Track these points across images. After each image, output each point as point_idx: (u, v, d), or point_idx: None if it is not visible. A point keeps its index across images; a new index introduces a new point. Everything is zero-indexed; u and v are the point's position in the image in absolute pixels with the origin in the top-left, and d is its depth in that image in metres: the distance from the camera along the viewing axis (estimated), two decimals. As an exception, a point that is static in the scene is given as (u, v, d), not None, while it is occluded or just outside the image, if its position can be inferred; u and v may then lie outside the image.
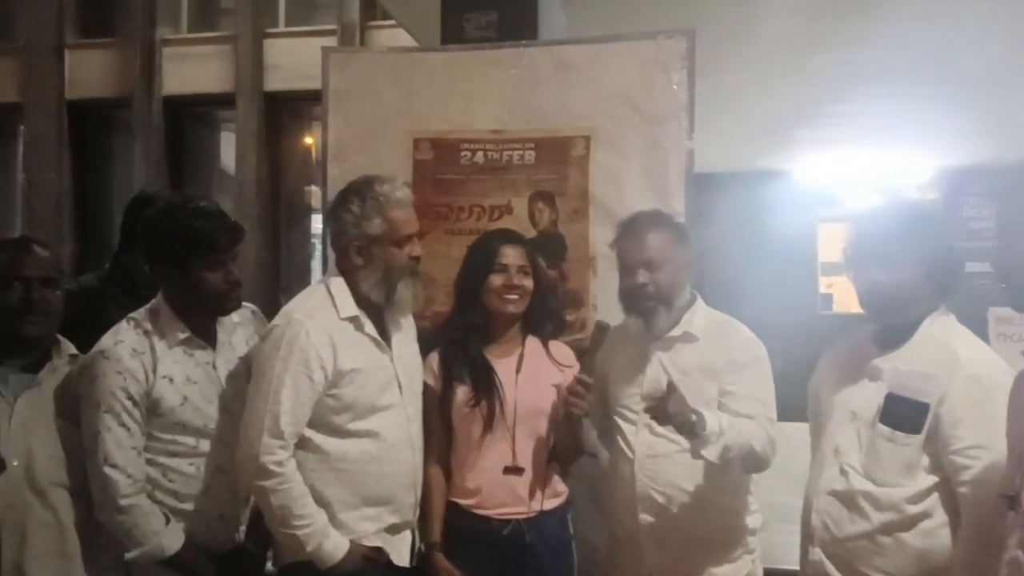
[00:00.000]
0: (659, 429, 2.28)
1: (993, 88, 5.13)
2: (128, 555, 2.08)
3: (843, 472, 2.05)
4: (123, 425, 2.09)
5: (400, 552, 2.29)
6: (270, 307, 2.43)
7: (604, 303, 2.84)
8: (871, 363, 2.05)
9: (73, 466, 2.11)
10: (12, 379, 2.10)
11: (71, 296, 2.34)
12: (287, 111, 5.60)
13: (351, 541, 2.19)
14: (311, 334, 2.15)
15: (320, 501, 2.18)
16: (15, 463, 2.02)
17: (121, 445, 2.08)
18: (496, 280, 2.38)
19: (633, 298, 2.36)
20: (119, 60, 6.00)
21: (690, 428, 2.11)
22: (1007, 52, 4.49)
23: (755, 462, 2.25)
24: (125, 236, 2.68)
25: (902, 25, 4.24)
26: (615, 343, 2.46)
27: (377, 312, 2.29)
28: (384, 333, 2.30)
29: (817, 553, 2.11)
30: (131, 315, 2.20)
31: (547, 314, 2.52)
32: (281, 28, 5.73)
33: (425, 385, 2.41)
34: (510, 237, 2.48)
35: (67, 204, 5.83)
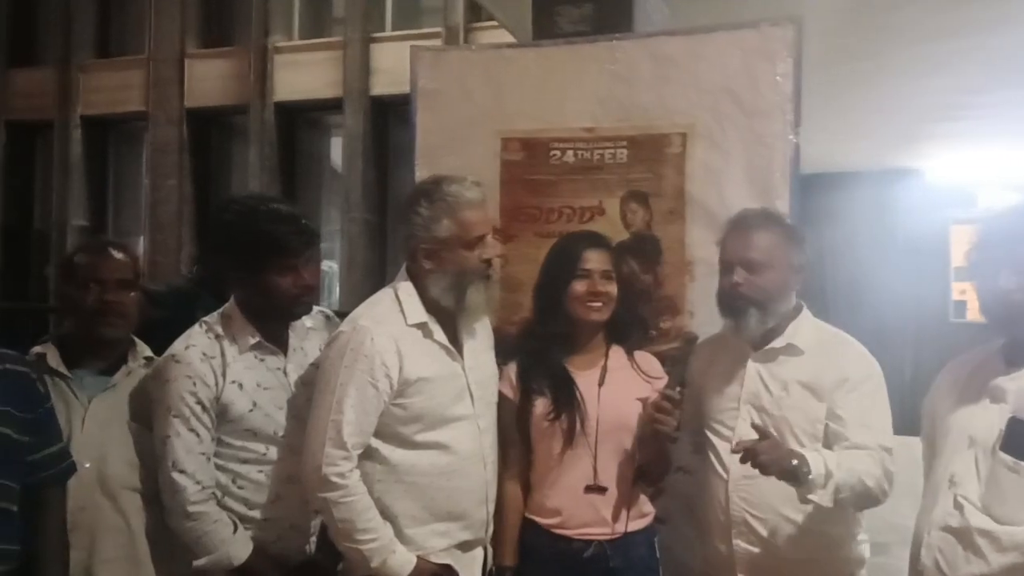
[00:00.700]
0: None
1: None
2: (196, 563, 2.05)
3: (958, 505, 1.81)
4: (192, 430, 2.07)
5: (471, 571, 2.20)
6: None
7: (702, 310, 2.67)
8: (994, 382, 1.81)
9: (146, 470, 2.10)
10: (88, 381, 2.12)
11: (160, 299, 2.36)
12: (393, 114, 5.62)
13: (419, 557, 2.10)
14: (376, 341, 2.07)
15: (387, 515, 2.10)
16: (87, 465, 2.03)
17: (190, 450, 2.06)
18: (579, 287, 2.25)
19: (726, 298, 2.21)
20: (235, 68, 6.18)
21: (792, 475, 1.92)
22: None
23: (868, 500, 2.04)
24: (211, 240, 2.68)
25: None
26: (711, 352, 2.31)
27: (448, 318, 2.20)
28: (456, 340, 2.21)
29: None
30: (204, 319, 2.19)
31: (633, 322, 2.38)
32: (388, 32, 5.74)
33: (503, 396, 2.31)
34: (593, 240, 2.35)
35: (187, 210, 6.06)
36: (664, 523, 2.62)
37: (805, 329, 2.19)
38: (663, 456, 2.24)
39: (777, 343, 2.18)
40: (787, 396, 2.11)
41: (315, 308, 2.33)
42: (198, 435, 2.07)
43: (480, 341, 2.29)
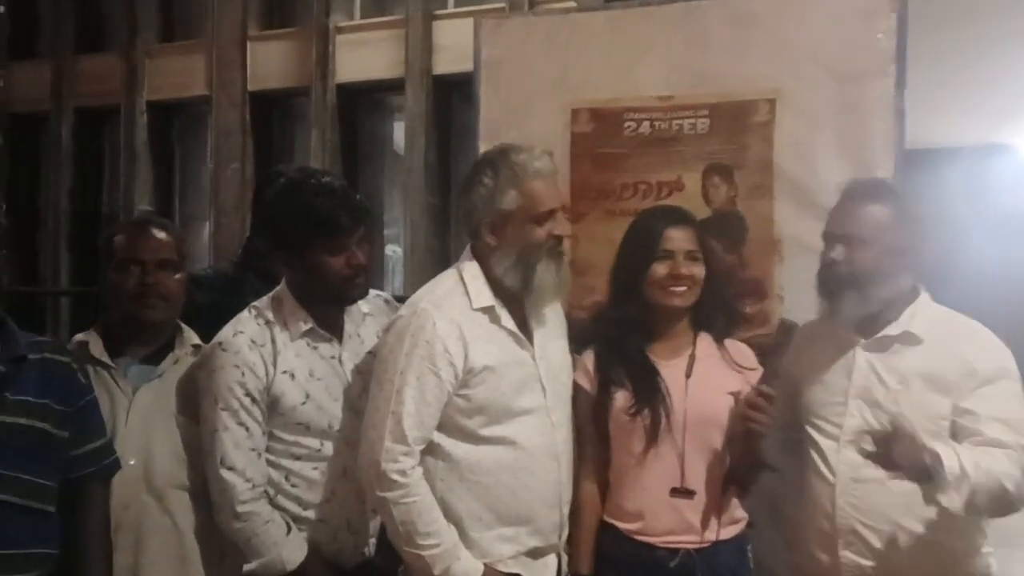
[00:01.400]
0: (868, 446, 1.88)
1: None
2: (247, 566, 1.92)
3: None
4: (241, 424, 1.93)
5: None
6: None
7: (793, 294, 2.48)
8: None
9: (194, 467, 1.97)
10: (133, 371, 1.99)
11: (205, 282, 2.23)
12: (456, 93, 5.43)
13: (486, 565, 1.94)
14: (438, 326, 1.91)
15: (450, 516, 1.94)
16: (132, 462, 1.90)
17: (239, 446, 1.93)
18: (660, 269, 2.05)
19: (822, 276, 2.00)
20: (297, 50, 6.05)
21: (923, 474, 1.72)
22: None
23: (1004, 506, 1.80)
24: (256, 217, 2.52)
25: None
26: (812, 340, 2.08)
27: (517, 303, 2.02)
28: (525, 327, 2.04)
29: None
30: (254, 304, 2.05)
31: (721, 307, 2.17)
32: (450, 8, 5.54)
33: (578, 387, 2.12)
34: (676, 216, 2.13)
35: (250, 194, 6.02)
36: (751, 526, 2.42)
37: (924, 315, 1.96)
38: (755, 457, 2.03)
39: (891, 330, 1.95)
40: (905, 390, 1.89)
41: (372, 292, 2.18)
42: (247, 429, 1.94)
43: (551, 328, 2.11)
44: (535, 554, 2.01)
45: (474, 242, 2.04)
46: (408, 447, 1.89)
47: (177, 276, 2.03)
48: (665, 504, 2.01)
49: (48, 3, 6.68)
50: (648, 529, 2.02)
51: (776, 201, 2.51)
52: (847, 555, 1.93)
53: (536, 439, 1.99)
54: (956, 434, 1.86)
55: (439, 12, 5.51)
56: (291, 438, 1.98)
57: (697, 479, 2.02)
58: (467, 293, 1.98)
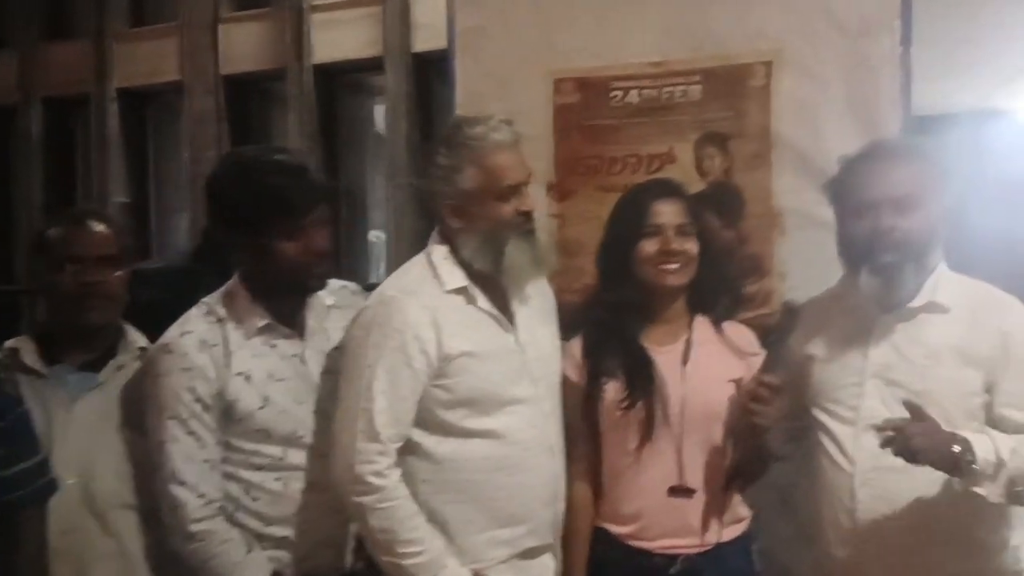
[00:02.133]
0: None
1: None
2: None
3: None
4: (192, 433, 1.75)
5: None
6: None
7: (794, 270, 2.31)
8: None
9: (141, 484, 1.80)
10: (71, 379, 1.81)
11: (153, 278, 2.04)
12: (437, 72, 5.24)
13: (475, 573, 1.78)
14: (407, 312, 1.77)
15: (436, 521, 1.79)
16: (71, 481, 1.72)
17: (190, 458, 1.75)
18: (648, 246, 1.87)
19: (871, 249, 1.76)
20: (271, 31, 5.85)
21: (952, 463, 1.58)
22: None
23: None
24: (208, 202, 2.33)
25: None
26: (823, 315, 1.91)
27: (495, 285, 1.86)
28: (506, 309, 1.88)
29: None
30: (204, 300, 1.87)
31: (720, 286, 1.99)
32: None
33: (566, 379, 1.95)
34: (664, 189, 1.96)
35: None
36: (756, 511, 2.26)
37: (948, 284, 1.79)
38: (760, 451, 1.86)
39: (916, 301, 1.77)
40: (934, 364, 1.72)
41: (338, 282, 2.01)
42: (199, 439, 1.76)
43: (537, 311, 1.95)
44: (529, 554, 1.86)
45: (440, 225, 1.89)
46: (382, 445, 1.74)
47: (119, 273, 1.85)
48: (663, 504, 1.85)
49: (12, -10, 6.48)
50: (645, 532, 1.86)
51: (775, 171, 2.31)
52: (868, 548, 1.75)
53: (528, 431, 1.84)
54: (991, 416, 1.71)
55: (417, -14, 5.37)
56: (250, 447, 1.80)
57: (696, 476, 1.85)
58: (437, 276, 1.84)
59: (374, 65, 5.39)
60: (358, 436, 1.74)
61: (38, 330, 1.87)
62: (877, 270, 1.75)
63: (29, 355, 1.80)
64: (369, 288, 2.07)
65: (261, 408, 1.79)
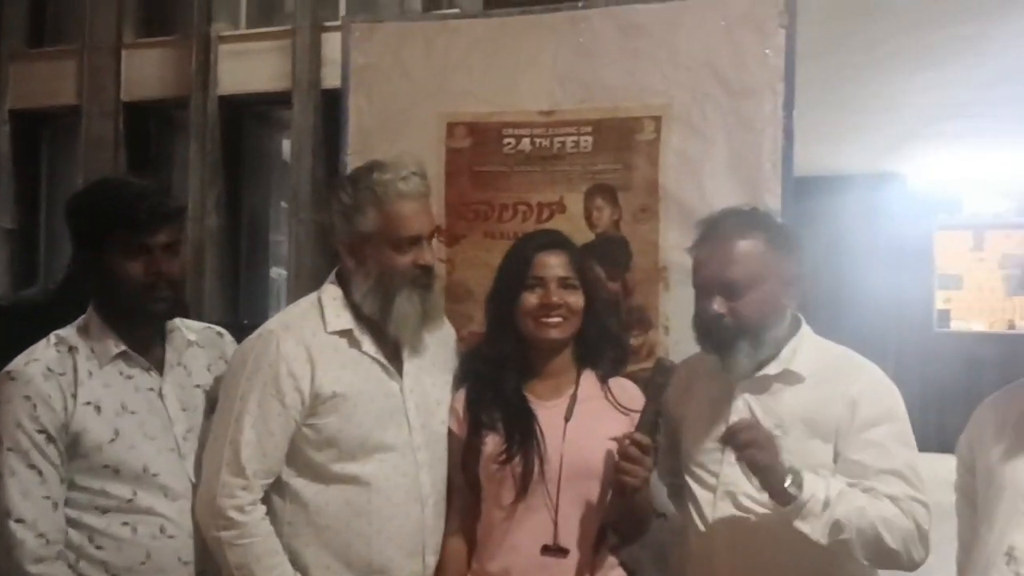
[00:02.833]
0: (745, 500, 1.70)
1: None
2: None
3: None
4: (33, 467, 1.64)
5: None
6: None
7: (678, 325, 2.31)
8: None
9: None
10: None
11: (6, 312, 1.91)
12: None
13: None
14: (282, 347, 1.76)
15: (297, 565, 1.77)
16: None
17: (28, 494, 1.63)
18: (530, 299, 1.85)
19: (705, 329, 1.79)
20: (176, 58, 5.69)
21: (777, 487, 1.58)
22: None
23: (885, 557, 1.63)
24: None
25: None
26: (691, 377, 1.91)
27: (383, 329, 1.85)
28: (395, 355, 1.86)
29: None
30: (56, 332, 1.78)
31: (607, 341, 1.96)
32: (341, 20, 5.29)
33: (449, 431, 1.90)
34: (549, 241, 1.93)
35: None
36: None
37: (805, 350, 1.78)
38: (636, 511, 1.82)
39: (771, 369, 1.76)
40: (782, 436, 1.70)
41: (201, 324, 1.98)
42: (40, 473, 1.65)
43: (433, 360, 1.93)
44: None
45: (339, 265, 1.88)
46: (247, 480, 1.72)
47: None
48: (534, 564, 1.79)
49: None
50: None
51: (662, 225, 2.34)
52: None
53: (395, 480, 1.80)
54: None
55: (329, 24, 5.28)
56: (97, 485, 1.70)
57: (571, 535, 1.80)
58: (323, 315, 1.82)
59: (282, 99, 5.27)
60: (223, 469, 1.71)
61: None
62: (711, 348, 1.78)
63: None
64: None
65: (111, 441, 1.70)
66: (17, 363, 1.71)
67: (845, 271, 6.70)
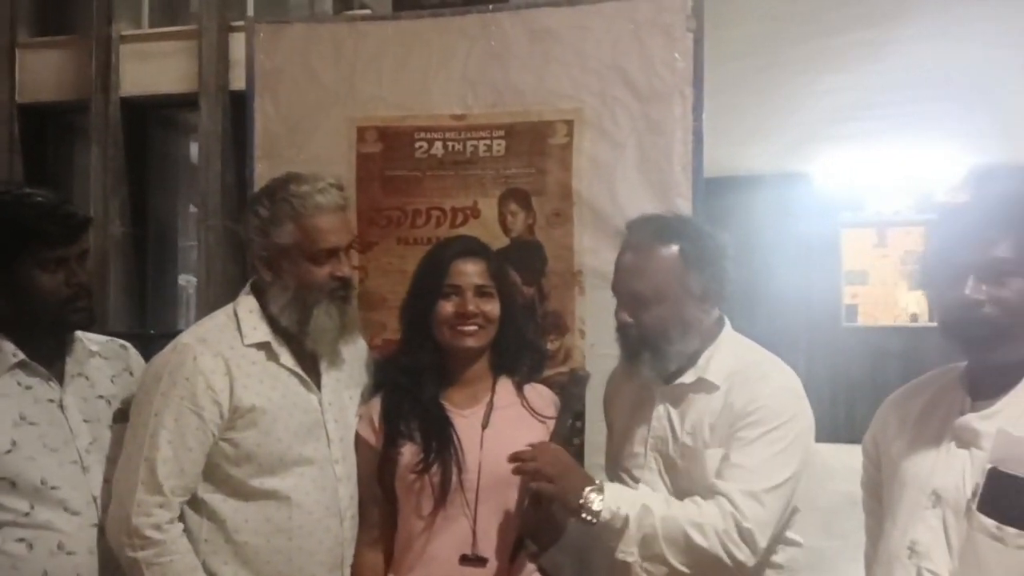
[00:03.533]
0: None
1: None
2: None
3: None
4: None
5: None
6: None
7: (594, 328, 2.33)
8: (960, 420, 1.44)
9: None
10: None
11: None
12: (255, 112, 5.03)
13: None
14: (199, 361, 1.72)
15: None
16: None
17: None
18: (446, 307, 1.82)
19: (618, 334, 1.78)
20: (74, 59, 5.46)
21: (574, 508, 1.63)
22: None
23: (706, 560, 1.61)
24: None
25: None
26: (621, 384, 1.91)
27: (301, 342, 1.81)
28: (313, 368, 1.83)
29: None
30: None
31: (523, 347, 1.94)
32: (265, 22, 5.16)
33: (361, 441, 1.86)
34: (465, 248, 1.90)
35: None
36: (556, 582, 2.22)
37: (721, 358, 1.76)
38: (551, 519, 1.80)
39: (687, 377, 1.75)
40: (692, 444, 1.71)
41: (103, 337, 1.92)
42: None
43: (351, 372, 1.90)
44: None
45: (254, 276, 1.84)
46: (164, 498, 1.67)
47: None
48: (453, 573, 1.77)
49: None
50: None
51: (576, 229, 2.34)
52: None
53: (315, 495, 1.77)
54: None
55: (236, 24, 5.13)
56: None
57: (489, 544, 1.78)
58: (239, 328, 1.78)
59: (188, 101, 5.10)
60: (138, 487, 1.66)
61: None
62: (624, 356, 1.78)
63: None
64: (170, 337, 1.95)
65: (7, 452, 1.63)
66: None
67: (755, 269, 6.85)
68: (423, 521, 1.78)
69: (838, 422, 6.86)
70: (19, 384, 1.68)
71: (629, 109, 2.30)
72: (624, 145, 2.30)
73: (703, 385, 1.74)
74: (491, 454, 1.78)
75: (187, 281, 5.75)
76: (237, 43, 5.15)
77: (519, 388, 1.90)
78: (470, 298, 1.82)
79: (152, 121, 5.67)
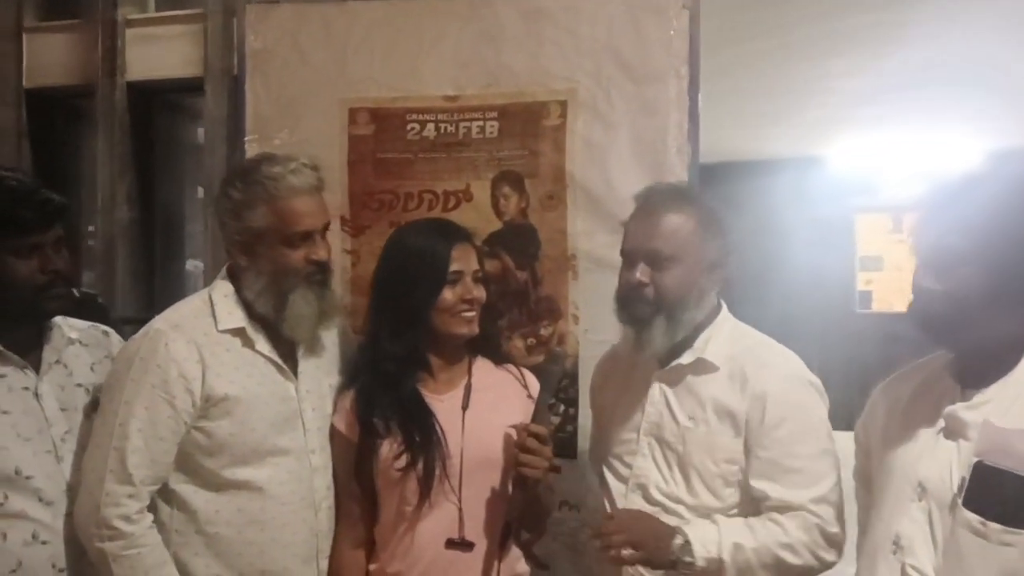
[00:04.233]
0: (656, 493, 1.69)
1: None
2: None
3: None
4: None
5: None
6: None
7: (587, 313, 2.29)
8: (948, 409, 1.38)
9: None
10: None
11: None
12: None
13: None
14: (171, 348, 1.68)
15: (186, 575, 1.70)
16: None
17: None
18: (450, 294, 1.76)
19: (625, 300, 1.72)
20: (81, 44, 5.42)
21: (670, 562, 1.58)
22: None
23: (802, 573, 1.62)
24: None
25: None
26: (613, 368, 1.88)
27: (278, 328, 1.77)
28: (290, 356, 1.78)
29: None
30: None
31: (493, 326, 1.95)
32: (254, 3, 5.10)
33: (336, 434, 1.81)
34: (461, 233, 1.84)
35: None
36: (547, 569, 2.20)
37: (721, 339, 1.72)
38: (539, 504, 1.78)
39: (685, 358, 1.71)
40: (694, 428, 1.67)
41: (85, 322, 1.87)
42: None
43: (330, 359, 1.87)
44: None
45: (230, 261, 1.80)
46: (134, 488, 1.64)
47: None
48: (439, 559, 1.74)
49: None
50: None
51: (570, 212, 2.30)
52: None
53: (289, 486, 1.74)
54: (746, 488, 1.67)
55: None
56: None
57: (476, 528, 1.75)
58: (213, 314, 1.73)
59: (194, 85, 5.05)
60: (107, 477, 1.62)
61: None
62: (628, 321, 1.72)
63: None
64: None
65: None
66: None
67: (769, 255, 6.78)
68: (405, 512, 1.75)
69: (852, 410, 6.76)
70: None
71: (623, 89, 2.25)
72: (618, 126, 2.26)
73: (702, 366, 1.70)
74: (473, 436, 1.75)
75: (195, 266, 5.73)
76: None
77: (497, 367, 1.87)
78: (470, 284, 1.78)
79: (159, 106, 5.63)
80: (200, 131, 5.74)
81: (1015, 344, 1.34)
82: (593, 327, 2.25)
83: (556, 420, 1.86)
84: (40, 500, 1.64)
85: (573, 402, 2.27)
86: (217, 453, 1.70)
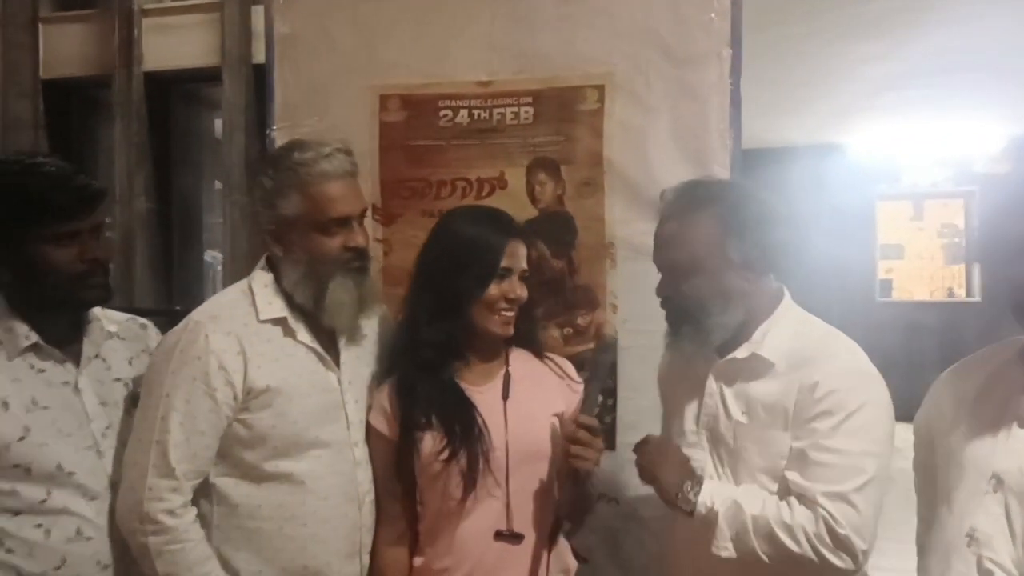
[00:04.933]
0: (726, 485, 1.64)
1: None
2: None
3: (985, 571, 1.32)
4: None
5: None
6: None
7: (626, 302, 2.23)
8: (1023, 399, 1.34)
9: None
10: None
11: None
12: (279, 85, 4.97)
13: None
14: (211, 339, 1.64)
15: (227, 571, 1.67)
16: None
17: None
18: (496, 291, 1.71)
19: (662, 305, 1.69)
20: (97, 34, 5.41)
21: (670, 498, 1.58)
22: None
23: (797, 563, 1.52)
24: None
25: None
26: (671, 361, 1.83)
27: (318, 317, 1.73)
28: (332, 346, 1.75)
29: None
30: None
31: (534, 320, 1.88)
32: (270, -9, 5.07)
33: (373, 431, 1.76)
34: (516, 228, 1.77)
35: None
36: (586, 562, 2.16)
37: (780, 333, 1.64)
38: (586, 494, 1.76)
39: (740, 352, 1.65)
40: (746, 423, 1.61)
41: (123, 315, 1.85)
42: None
43: (371, 349, 1.82)
44: None
45: (268, 251, 1.76)
46: (176, 482, 1.61)
47: None
48: (488, 551, 1.70)
49: None
50: None
51: (608, 199, 2.24)
52: None
53: (331, 479, 1.70)
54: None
55: (258, -5, 5.08)
56: (6, 486, 1.57)
57: (525, 520, 1.71)
58: (254, 304, 1.70)
59: (211, 75, 5.05)
60: (149, 471, 1.60)
61: None
62: (668, 327, 1.69)
63: None
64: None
65: (20, 440, 1.57)
66: None
67: (793, 240, 6.72)
68: (452, 503, 1.70)
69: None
70: (32, 367, 1.63)
71: (662, 73, 2.19)
72: (657, 111, 2.20)
73: (757, 361, 1.63)
74: (516, 428, 1.71)
75: (213, 257, 5.73)
76: (259, 15, 5.09)
77: (538, 356, 1.83)
78: (516, 283, 1.73)
79: (175, 96, 5.62)
80: (217, 121, 5.72)
81: None
82: (632, 316, 2.20)
83: (595, 411, 1.82)
84: (83, 496, 1.62)
85: (611, 393, 2.23)
86: (258, 445, 1.67)
